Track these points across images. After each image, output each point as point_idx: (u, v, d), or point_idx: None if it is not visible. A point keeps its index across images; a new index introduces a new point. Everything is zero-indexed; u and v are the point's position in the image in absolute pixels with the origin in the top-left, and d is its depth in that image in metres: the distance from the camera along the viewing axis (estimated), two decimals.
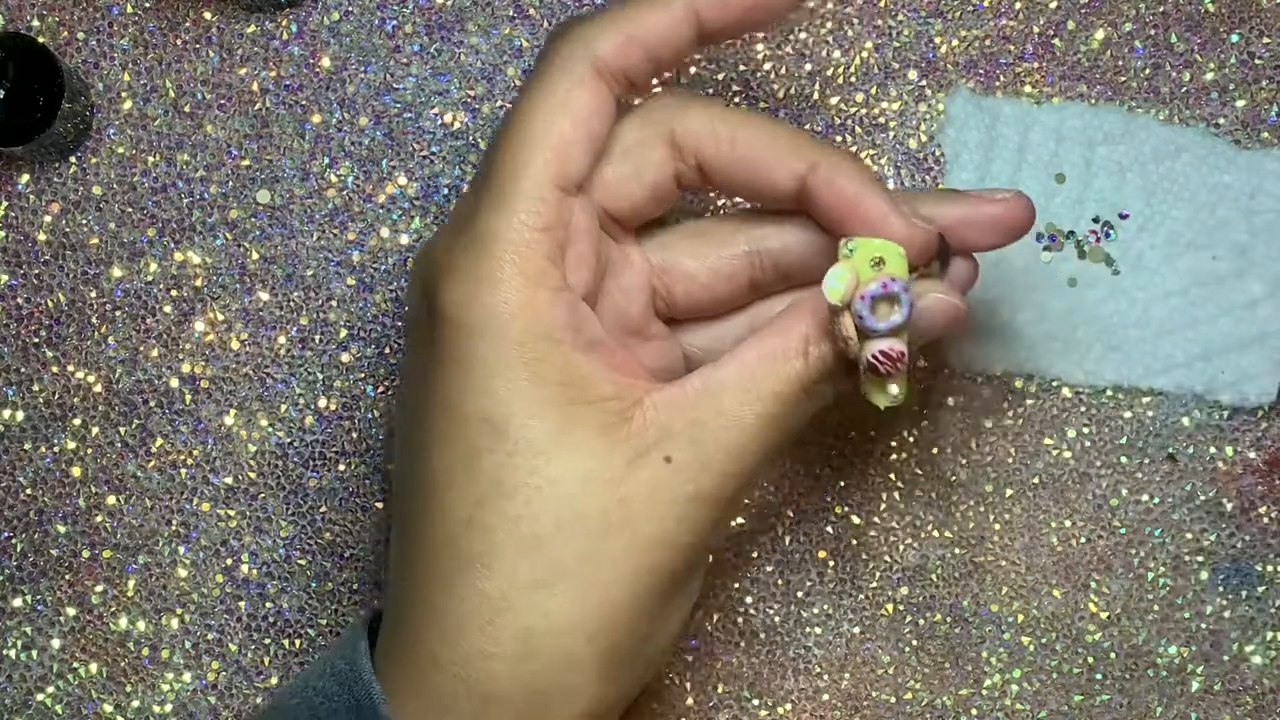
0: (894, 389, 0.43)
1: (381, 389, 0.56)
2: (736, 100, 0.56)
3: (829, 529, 0.55)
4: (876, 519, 0.55)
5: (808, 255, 0.48)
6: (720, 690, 0.55)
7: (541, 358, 0.43)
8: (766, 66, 0.56)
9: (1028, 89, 0.56)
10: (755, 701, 0.55)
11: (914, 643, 0.55)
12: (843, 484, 0.55)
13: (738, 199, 0.55)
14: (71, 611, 0.55)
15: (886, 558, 0.55)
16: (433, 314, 0.44)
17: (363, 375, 0.56)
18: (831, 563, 0.55)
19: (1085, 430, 0.55)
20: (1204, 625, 0.55)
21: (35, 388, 0.56)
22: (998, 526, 0.55)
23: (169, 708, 0.55)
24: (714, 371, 0.44)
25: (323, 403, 0.56)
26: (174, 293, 0.56)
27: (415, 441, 0.45)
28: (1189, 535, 0.55)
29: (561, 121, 0.44)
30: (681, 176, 0.47)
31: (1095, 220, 0.55)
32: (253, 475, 0.56)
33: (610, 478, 0.43)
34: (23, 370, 0.56)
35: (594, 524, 0.43)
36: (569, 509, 0.43)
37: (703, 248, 0.49)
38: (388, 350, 0.56)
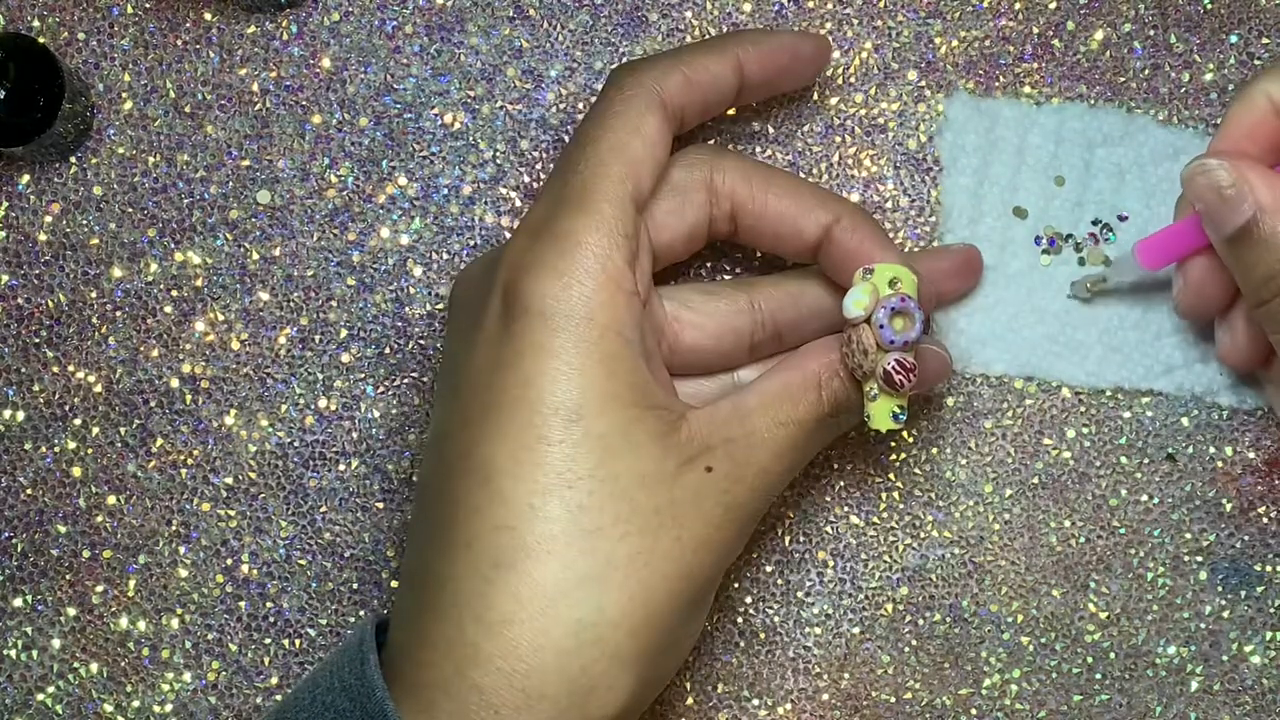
0: (897, 408, 0.48)
1: (381, 389, 0.56)
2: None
3: (829, 529, 0.55)
4: (876, 519, 0.55)
5: (801, 316, 0.52)
6: (720, 690, 0.55)
7: (616, 355, 0.46)
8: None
9: (1027, 89, 0.56)
10: (755, 701, 0.55)
11: (914, 643, 0.55)
12: (843, 484, 0.56)
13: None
14: (72, 611, 0.55)
15: (886, 558, 0.55)
16: (512, 307, 0.46)
17: (363, 375, 0.56)
18: (831, 563, 0.55)
19: (1085, 430, 0.55)
20: (1203, 625, 0.55)
21: (35, 388, 0.56)
22: (998, 526, 0.55)
23: (169, 708, 0.55)
24: (741, 398, 0.48)
25: (323, 403, 0.56)
26: (174, 293, 0.56)
27: (475, 432, 0.46)
28: (1188, 535, 0.55)
29: (635, 141, 0.48)
30: (715, 222, 0.51)
31: (1095, 222, 0.55)
32: (253, 475, 0.56)
33: (663, 479, 0.46)
34: (23, 370, 0.56)
35: (648, 522, 0.45)
36: (627, 504, 0.45)
37: (712, 300, 0.52)
38: (388, 350, 0.56)
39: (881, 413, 0.48)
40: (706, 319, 0.51)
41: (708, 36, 0.55)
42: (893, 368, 0.47)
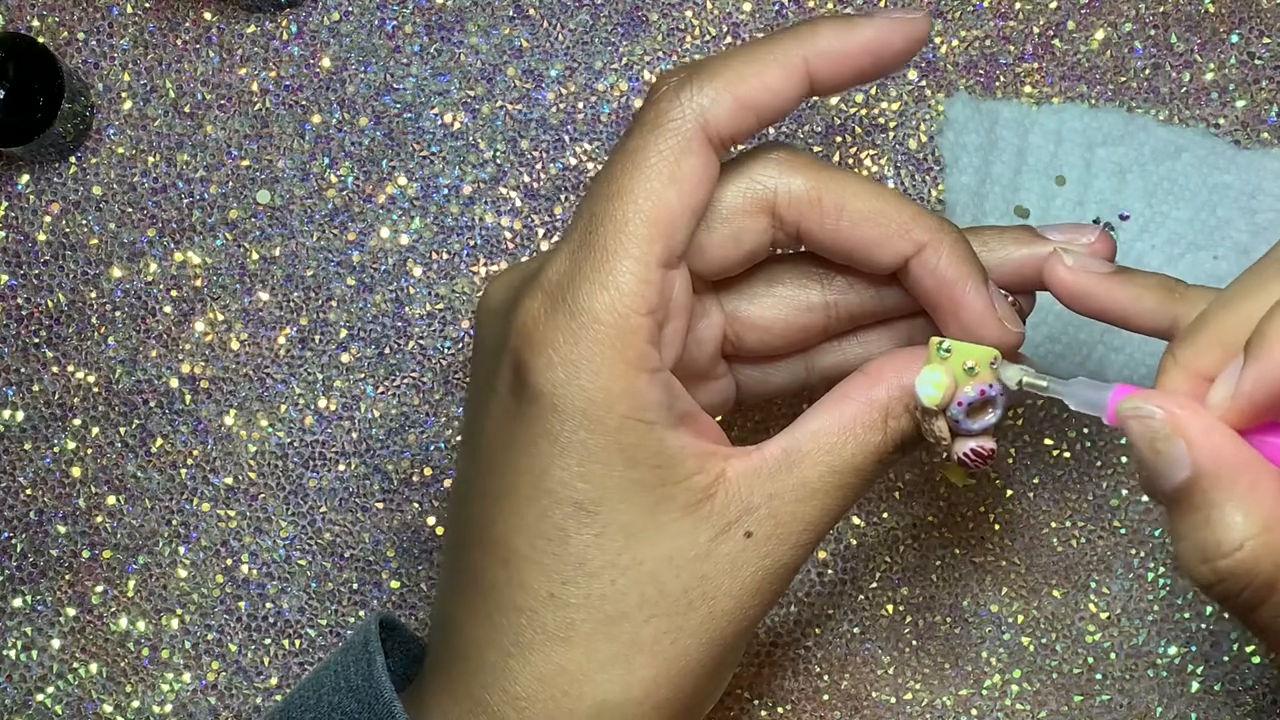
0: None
1: (381, 389, 0.56)
2: None
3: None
4: (876, 519, 0.55)
5: (885, 305, 0.47)
6: None
7: (638, 442, 0.42)
8: None
9: (1028, 89, 0.56)
10: (755, 701, 0.55)
11: (914, 643, 0.55)
12: None
13: None
14: (71, 611, 0.55)
15: (886, 558, 0.55)
16: (524, 387, 0.43)
17: (363, 375, 0.56)
18: (831, 563, 0.55)
19: (1085, 430, 0.55)
20: (1204, 625, 0.55)
21: (35, 388, 0.56)
22: (998, 526, 0.55)
23: (169, 708, 0.55)
24: (793, 441, 0.44)
25: (323, 403, 0.56)
26: (174, 293, 0.56)
27: (491, 507, 0.44)
28: None
29: (670, 194, 0.42)
30: (778, 242, 0.45)
31: (1096, 222, 0.55)
32: (253, 475, 0.56)
33: (694, 555, 0.43)
34: (23, 370, 0.56)
35: (676, 601, 0.43)
36: (653, 587, 0.43)
37: (779, 300, 0.47)
38: (388, 350, 0.56)
39: (957, 472, 0.45)
40: (771, 318, 0.47)
41: (769, 31, 0.51)
42: (968, 457, 0.44)
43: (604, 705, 0.43)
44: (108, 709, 0.55)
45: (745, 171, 0.44)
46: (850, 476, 0.44)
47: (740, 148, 0.45)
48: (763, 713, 0.55)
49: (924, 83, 0.56)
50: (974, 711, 0.55)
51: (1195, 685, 0.55)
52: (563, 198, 0.56)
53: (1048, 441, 0.55)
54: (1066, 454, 0.55)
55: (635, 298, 0.42)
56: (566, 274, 0.43)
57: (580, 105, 0.56)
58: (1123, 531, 0.55)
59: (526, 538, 0.43)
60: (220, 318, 0.56)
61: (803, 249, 0.46)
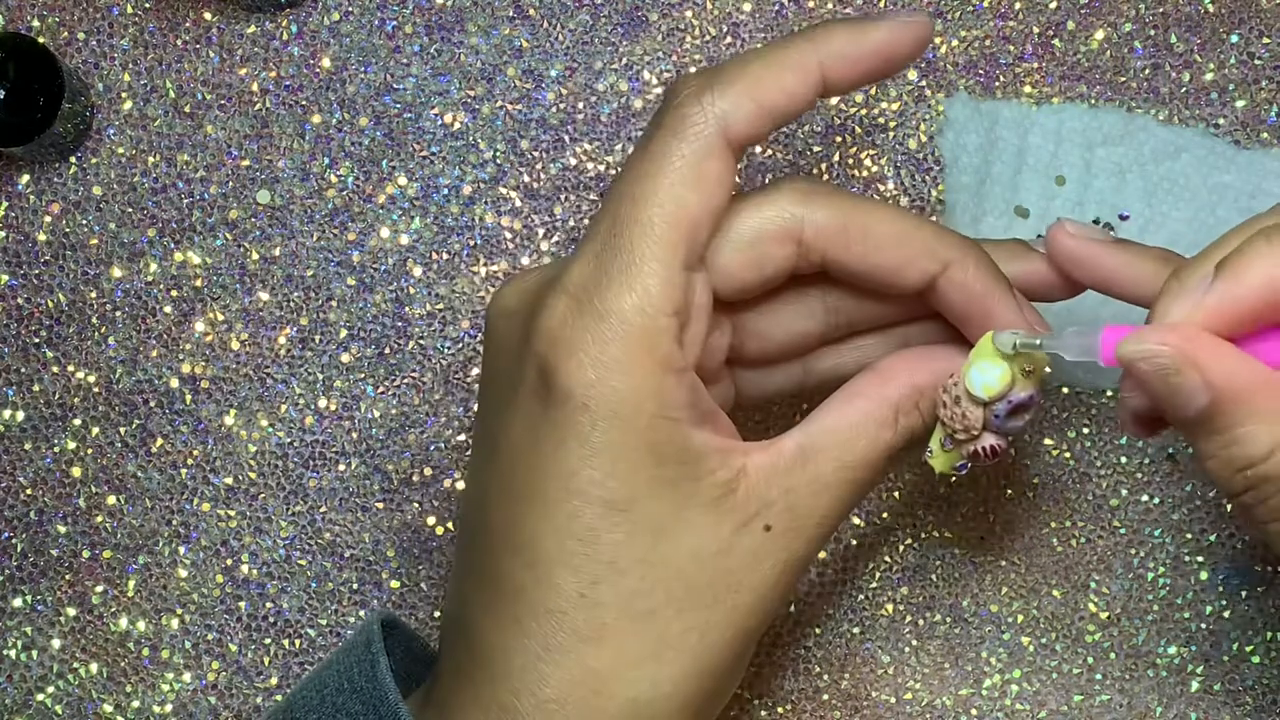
0: (963, 461, 0.46)
1: (381, 389, 0.56)
2: None
3: None
4: (876, 519, 0.55)
5: (883, 312, 0.48)
6: None
7: (666, 440, 0.43)
8: None
9: (1028, 89, 0.56)
10: (755, 701, 0.55)
11: (914, 643, 0.55)
12: None
13: None
14: (71, 611, 0.55)
15: (886, 558, 0.55)
16: (551, 390, 0.43)
17: (363, 375, 0.56)
18: (831, 563, 0.55)
19: (1085, 430, 0.55)
20: (1204, 625, 0.55)
21: (35, 388, 0.56)
22: (998, 527, 0.55)
23: (169, 708, 0.55)
24: (807, 437, 0.45)
25: (323, 403, 0.56)
26: (174, 293, 0.56)
27: (519, 509, 0.44)
28: (1189, 535, 0.55)
29: (691, 197, 0.43)
30: (799, 270, 0.46)
31: (1096, 222, 0.55)
32: (253, 475, 0.56)
33: (717, 549, 0.44)
34: (23, 370, 0.56)
35: (701, 596, 0.44)
36: (680, 583, 0.44)
37: (781, 313, 0.48)
38: (388, 350, 0.56)
39: (947, 460, 0.46)
40: (772, 330, 0.48)
41: (770, 31, 0.51)
42: (985, 451, 0.45)
43: (635, 703, 0.43)
44: (108, 709, 0.55)
45: (774, 202, 0.45)
46: (862, 471, 0.45)
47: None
48: (763, 713, 0.55)
49: (924, 83, 0.56)
50: (974, 711, 0.55)
51: (1195, 685, 0.55)
52: (563, 198, 0.56)
53: (1048, 441, 0.55)
54: (1066, 454, 0.55)
55: (662, 299, 0.43)
56: (591, 277, 0.43)
57: (580, 105, 0.56)
58: (1123, 531, 0.55)
59: (556, 539, 0.43)
60: (220, 318, 0.56)
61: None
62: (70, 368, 0.56)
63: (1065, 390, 0.55)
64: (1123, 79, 0.56)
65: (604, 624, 0.43)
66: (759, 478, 0.44)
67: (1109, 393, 0.55)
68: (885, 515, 0.55)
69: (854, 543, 0.55)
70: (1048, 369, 0.45)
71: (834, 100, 0.56)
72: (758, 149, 0.56)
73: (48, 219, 0.56)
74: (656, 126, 0.44)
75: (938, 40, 0.56)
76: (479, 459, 0.46)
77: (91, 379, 0.56)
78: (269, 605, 0.55)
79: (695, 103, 0.44)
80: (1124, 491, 0.55)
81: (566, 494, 0.43)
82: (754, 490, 0.44)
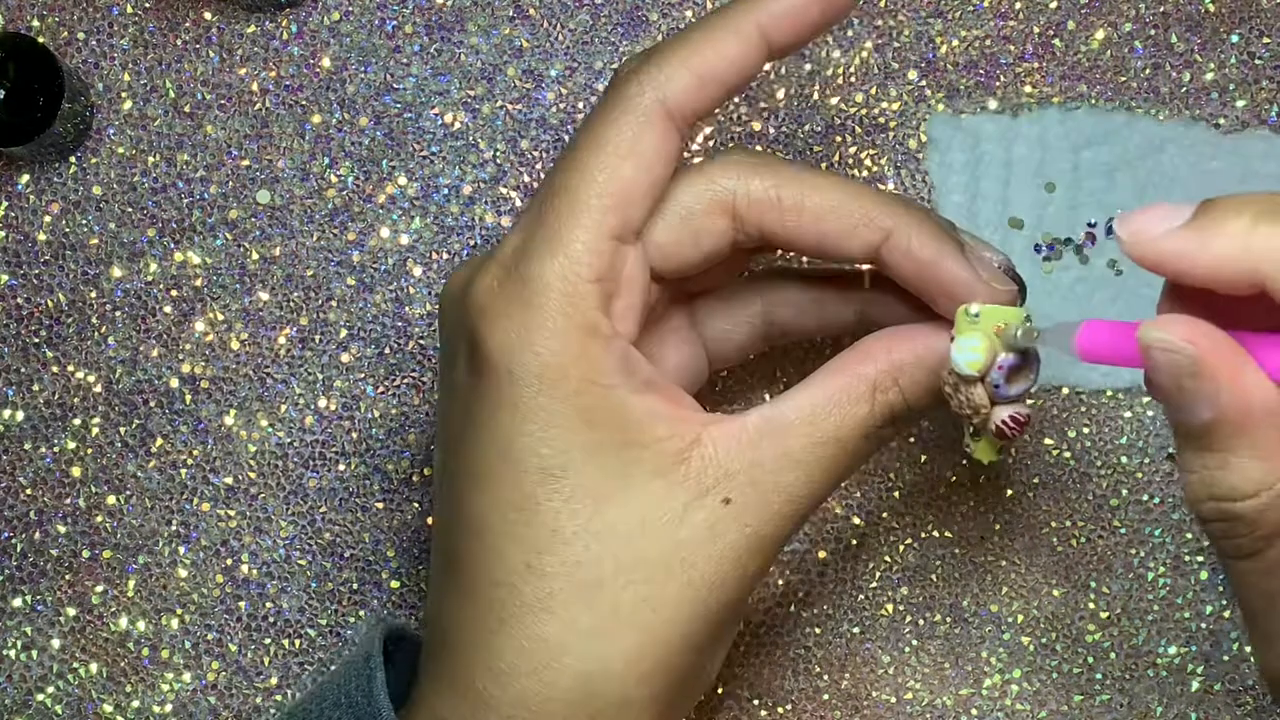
0: (1003, 443, 0.44)
1: (381, 389, 0.56)
2: (741, 107, 0.56)
3: (829, 529, 0.55)
4: (876, 519, 0.55)
5: (820, 319, 0.48)
6: (720, 690, 0.55)
7: (596, 404, 0.43)
8: (766, 67, 0.56)
9: (1028, 89, 0.56)
10: (755, 701, 0.55)
11: (914, 643, 0.55)
12: (843, 484, 0.55)
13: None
14: (71, 611, 0.55)
15: (886, 558, 0.55)
16: (478, 359, 0.43)
17: (363, 375, 0.56)
18: (831, 563, 0.55)
19: (1085, 430, 0.55)
20: (1204, 625, 0.55)
21: (35, 388, 0.56)
22: (998, 526, 0.55)
23: (169, 708, 0.55)
24: (776, 410, 0.44)
25: (323, 403, 0.56)
26: (174, 293, 0.56)
27: (463, 485, 0.44)
28: (1189, 535, 0.55)
29: (624, 167, 0.43)
30: (741, 243, 0.46)
31: (1091, 224, 0.55)
32: (253, 475, 0.56)
33: (668, 520, 0.43)
34: (23, 370, 0.56)
35: (653, 568, 0.43)
36: (628, 553, 0.43)
37: (727, 309, 0.49)
38: (388, 350, 0.56)
39: (984, 450, 0.45)
40: (729, 333, 0.48)
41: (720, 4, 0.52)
42: (1007, 425, 0.43)
43: (586, 677, 0.43)
44: (108, 709, 0.55)
45: (704, 174, 0.45)
46: (834, 448, 0.44)
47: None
48: (763, 713, 0.55)
49: (924, 83, 0.56)
50: (974, 711, 0.55)
51: (1195, 685, 0.55)
52: None
53: (1048, 441, 0.55)
54: (1066, 454, 0.55)
55: (584, 266, 0.43)
56: (519, 246, 0.44)
57: (580, 105, 0.56)
58: (1123, 531, 0.55)
59: (499, 511, 0.43)
60: (220, 318, 0.56)
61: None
62: (70, 368, 0.56)
63: (1065, 390, 0.55)
64: (1123, 79, 0.56)
65: (551, 593, 0.43)
66: (718, 449, 0.43)
67: (1109, 393, 0.55)
68: (885, 515, 0.55)
69: (854, 543, 0.55)
70: (1027, 322, 0.43)
71: (834, 100, 0.56)
72: (757, 148, 0.56)
73: (48, 219, 0.56)
74: (598, 106, 0.44)
75: (938, 40, 0.56)
76: (437, 445, 0.47)
77: (91, 379, 0.56)
78: (269, 605, 0.55)
79: (634, 77, 0.44)
80: (1124, 491, 0.55)
81: (504, 464, 0.43)
82: (711, 461, 0.43)
